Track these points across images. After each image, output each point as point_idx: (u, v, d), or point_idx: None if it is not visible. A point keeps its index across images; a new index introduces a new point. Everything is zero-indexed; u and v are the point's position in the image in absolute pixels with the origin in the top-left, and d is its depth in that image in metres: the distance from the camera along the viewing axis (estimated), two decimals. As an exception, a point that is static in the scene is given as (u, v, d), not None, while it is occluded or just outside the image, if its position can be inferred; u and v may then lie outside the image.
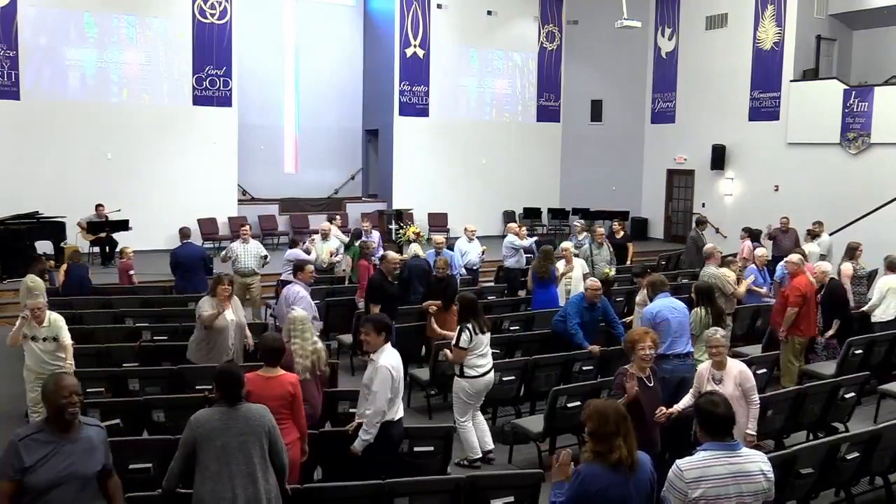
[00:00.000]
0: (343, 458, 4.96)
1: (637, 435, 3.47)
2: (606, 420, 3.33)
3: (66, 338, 6.55)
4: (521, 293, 11.31)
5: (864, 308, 9.11)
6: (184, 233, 11.01)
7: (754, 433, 5.21)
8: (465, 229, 11.84)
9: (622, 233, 13.04)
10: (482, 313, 6.43)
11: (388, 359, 4.92)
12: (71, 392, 3.51)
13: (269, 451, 3.96)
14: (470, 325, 6.15)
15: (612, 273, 10.12)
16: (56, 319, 6.56)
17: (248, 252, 10.52)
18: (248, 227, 10.97)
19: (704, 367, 5.45)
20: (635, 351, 4.89)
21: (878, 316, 8.73)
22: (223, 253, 10.86)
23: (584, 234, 12.97)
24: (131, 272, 11.08)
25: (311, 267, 8.26)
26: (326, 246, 11.26)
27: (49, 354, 6.47)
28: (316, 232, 11.78)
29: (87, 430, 3.63)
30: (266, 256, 10.75)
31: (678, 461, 3.43)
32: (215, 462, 3.83)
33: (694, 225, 13.38)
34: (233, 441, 3.86)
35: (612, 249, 11.39)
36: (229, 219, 16.66)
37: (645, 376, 4.90)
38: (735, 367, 5.29)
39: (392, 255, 8.69)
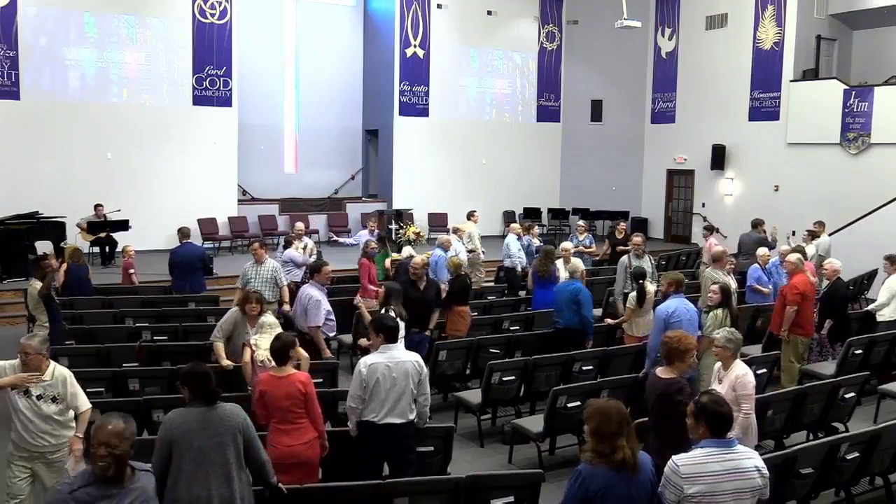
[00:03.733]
0: (343, 458, 4.96)
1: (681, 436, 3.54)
2: (609, 420, 3.32)
3: (82, 401, 4.72)
4: (522, 293, 11.31)
5: (870, 308, 9.11)
6: (183, 232, 10.78)
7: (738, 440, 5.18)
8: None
9: (624, 233, 13.03)
10: (399, 303, 6.85)
11: (369, 357, 4.95)
12: (100, 443, 3.08)
13: (245, 448, 3.94)
14: (393, 311, 6.50)
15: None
16: (63, 374, 4.68)
17: (262, 276, 8.79)
18: (258, 246, 9.05)
19: (718, 365, 5.44)
20: (686, 357, 4.75)
21: (887, 316, 8.72)
22: (238, 281, 9.12)
23: (585, 234, 12.99)
24: (132, 271, 11.07)
25: (329, 268, 7.76)
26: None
27: (48, 422, 4.57)
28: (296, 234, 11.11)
29: (141, 477, 3.26)
30: (283, 287, 9.01)
31: (674, 457, 3.45)
32: (191, 463, 3.80)
33: (751, 228, 12.64)
34: (209, 442, 3.83)
35: (654, 262, 9.99)
36: (229, 219, 16.68)
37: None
38: (735, 370, 5.24)
39: (418, 259, 8.30)
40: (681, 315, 6.33)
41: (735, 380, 5.15)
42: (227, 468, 3.84)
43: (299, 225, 11.45)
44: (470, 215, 12.93)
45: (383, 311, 6.57)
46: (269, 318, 6.09)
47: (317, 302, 7.25)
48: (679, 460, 3.41)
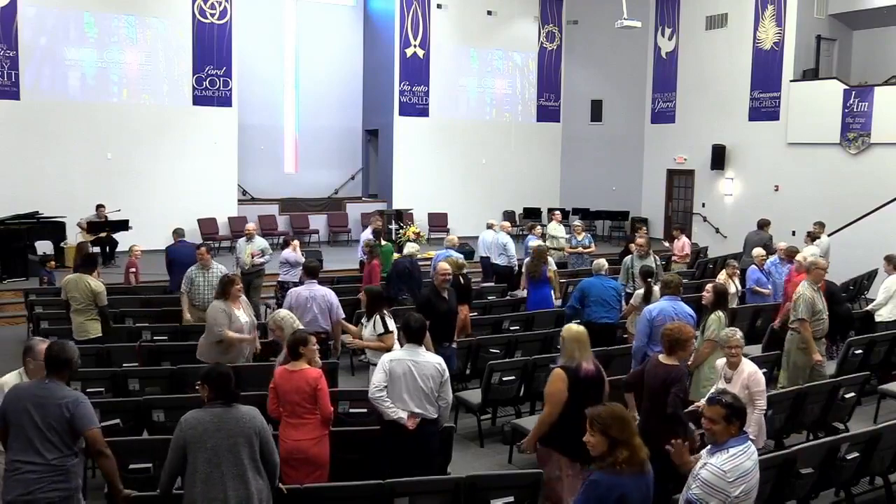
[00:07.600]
0: (342, 458, 4.97)
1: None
2: (626, 423, 3.35)
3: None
4: (520, 293, 11.29)
5: (868, 308, 9.10)
6: (178, 233, 10.77)
7: (754, 437, 5.19)
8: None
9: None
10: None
11: (393, 353, 5.15)
12: None
13: (260, 451, 3.94)
14: (385, 313, 6.41)
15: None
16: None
17: (210, 282, 8.20)
18: (205, 251, 8.50)
19: (720, 363, 5.48)
20: (687, 346, 4.98)
21: (885, 316, 8.71)
22: (183, 286, 8.55)
23: (584, 234, 12.99)
24: (133, 270, 11.05)
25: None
26: (249, 247, 10.48)
27: None
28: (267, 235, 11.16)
29: None
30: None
31: (715, 462, 3.45)
32: (206, 464, 3.81)
33: (758, 227, 12.57)
34: (223, 443, 3.83)
35: (659, 262, 9.74)
36: (229, 219, 16.67)
37: None
38: (746, 368, 5.27)
39: (442, 265, 7.54)
40: (666, 319, 6.19)
41: (748, 377, 5.21)
42: (242, 469, 3.84)
43: (250, 225, 11.14)
44: (552, 215, 13.98)
45: (370, 319, 6.43)
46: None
47: (335, 296, 7.34)
48: (723, 465, 3.41)
